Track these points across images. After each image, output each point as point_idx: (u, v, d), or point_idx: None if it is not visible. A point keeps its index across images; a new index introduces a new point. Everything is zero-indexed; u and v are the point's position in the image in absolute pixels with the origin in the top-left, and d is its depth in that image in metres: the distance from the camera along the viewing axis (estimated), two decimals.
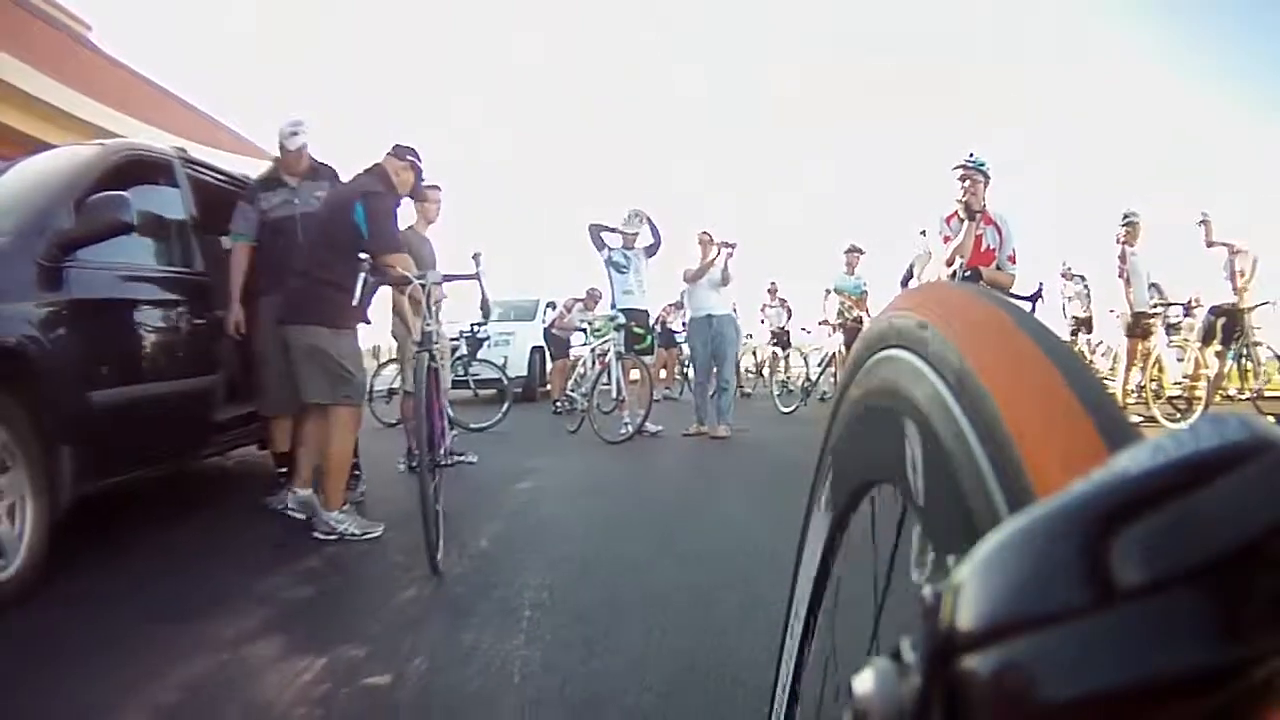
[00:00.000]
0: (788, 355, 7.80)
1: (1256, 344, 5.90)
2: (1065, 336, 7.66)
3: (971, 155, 2.97)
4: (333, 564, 2.28)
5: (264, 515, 2.90)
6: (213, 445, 3.10)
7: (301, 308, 2.60)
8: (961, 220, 2.94)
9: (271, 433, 3.10)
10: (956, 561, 0.15)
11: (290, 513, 2.74)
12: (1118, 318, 5.84)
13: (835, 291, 6.51)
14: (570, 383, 6.42)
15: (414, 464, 3.45)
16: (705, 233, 5.31)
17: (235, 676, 1.51)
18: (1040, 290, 3.53)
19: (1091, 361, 7.78)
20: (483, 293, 2.96)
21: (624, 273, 5.17)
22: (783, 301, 9.18)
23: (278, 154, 3.12)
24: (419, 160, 2.74)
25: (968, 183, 2.95)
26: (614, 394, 5.03)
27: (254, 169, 3.77)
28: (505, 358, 7.33)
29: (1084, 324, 7.86)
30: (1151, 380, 5.72)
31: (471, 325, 6.30)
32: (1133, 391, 5.81)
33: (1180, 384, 5.75)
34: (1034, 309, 3.06)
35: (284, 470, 3.06)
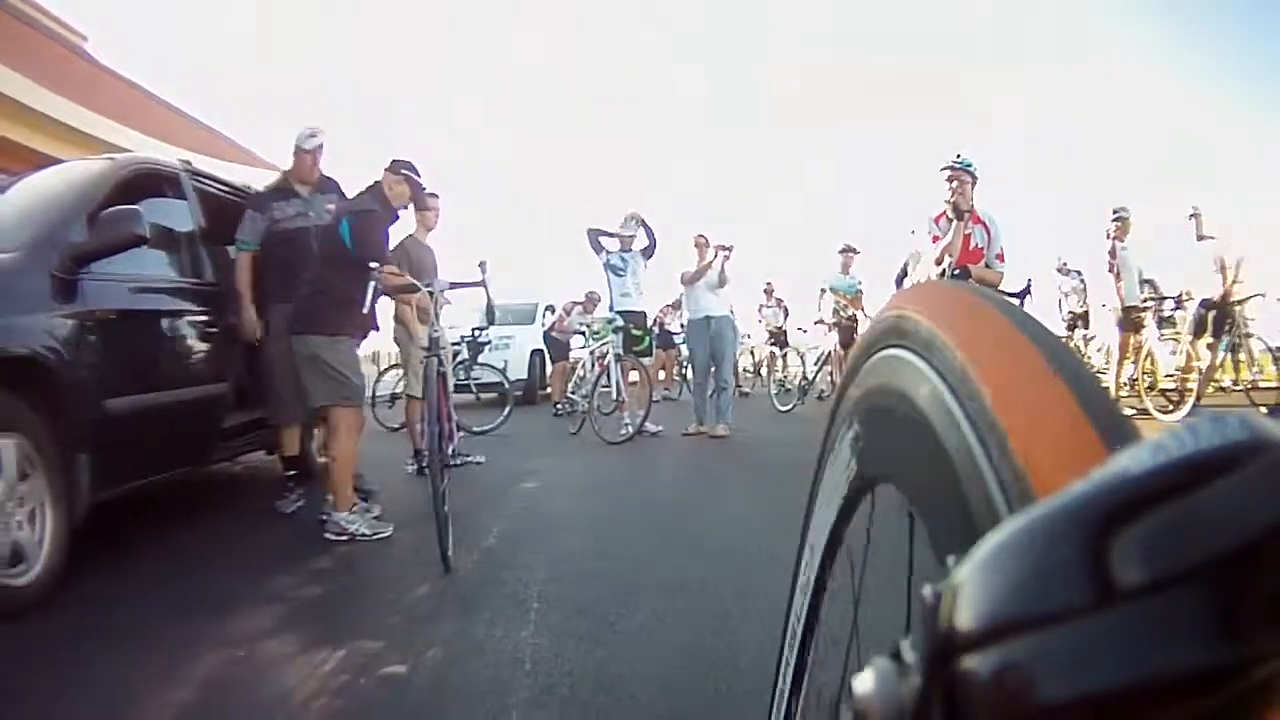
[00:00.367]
0: (785, 355, 7.88)
1: (1248, 335, 5.98)
2: (1061, 332, 7.75)
3: (959, 156, 3.05)
4: (344, 563, 2.35)
5: (274, 518, 2.97)
6: (223, 451, 3.17)
7: (301, 318, 2.71)
8: (950, 220, 3.03)
9: (281, 438, 3.17)
10: (956, 561, 0.15)
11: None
12: (1110, 312, 5.93)
13: (831, 291, 6.60)
14: (570, 385, 6.49)
15: (423, 466, 3.53)
16: (701, 235, 5.39)
17: (257, 668, 1.58)
18: (1028, 287, 3.61)
19: (1087, 357, 7.86)
20: (488, 299, 3.04)
21: (621, 276, 5.25)
22: (779, 301, 9.25)
23: (289, 163, 3.21)
24: (413, 173, 2.83)
25: (955, 183, 3.03)
26: (614, 395, 5.10)
27: (253, 177, 3.85)
28: (505, 361, 7.40)
29: (1080, 319, 7.95)
30: (1145, 374, 5.81)
31: (473, 330, 6.37)
32: (1125, 385, 5.89)
33: (1172, 376, 5.84)
34: (1022, 305, 3.13)
35: (292, 474, 3.14)
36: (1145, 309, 5.78)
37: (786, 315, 9.04)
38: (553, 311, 8.81)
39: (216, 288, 3.03)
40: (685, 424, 5.37)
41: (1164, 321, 6.12)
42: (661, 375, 8.58)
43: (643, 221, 5.37)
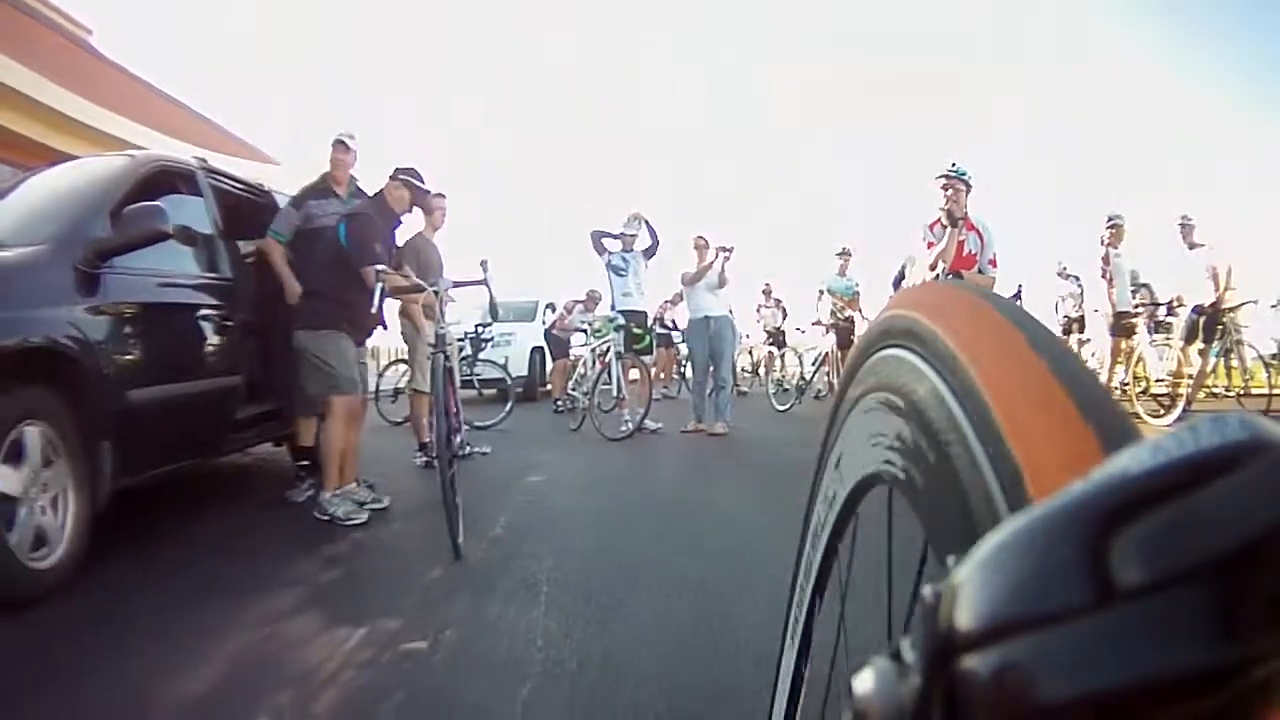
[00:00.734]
0: (783, 355, 7.98)
1: (1239, 342, 6.09)
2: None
3: (954, 165, 3.15)
4: (358, 550, 2.43)
5: (285, 508, 3.05)
6: (235, 442, 3.25)
7: (296, 314, 2.91)
8: (944, 226, 3.13)
9: (297, 429, 3.27)
10: (956, 561, 0.15)
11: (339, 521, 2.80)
12: (1102, 317, 6.04)
13: (829, 293, 6.70)
14: (571, 382, 6.57)
15: (431, 458, 3.63)
16: (701, 237, 5.49)
17: (281, 645, 1.67)
18: (1019, 292, 3.71)
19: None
20: (491, 296, 3.14)
21: (623, 276, 5.34)
22: (778, 302, 9.35)
23: (325, 166, 3.43)
24: (413, 179, 3.00)
25: (950, 191, 3.13)
26: (614, 393, 5.19)
27: (254, 172, 3.96)
28: (506, 358, 7.48)
29: (1076, 323, 8.06)
30: (1136, 378, 5.92)
31: (476, 326, 6.46)
32: (1116, 389, 6.00)
33: (1163, 381, 5.95)
34: None
35: (304, 464, 3.23)
36: (1137, 315, 5.89)
37: (785, 316, 9.14)
38: (553, 309, 8.90)
39: (232, 283, 3.11)
40: (684, 422, 5.47)
41: (1158, 327, 6.24)
42: (659, 374, 8.67)
43: (645, 221, 5.46)
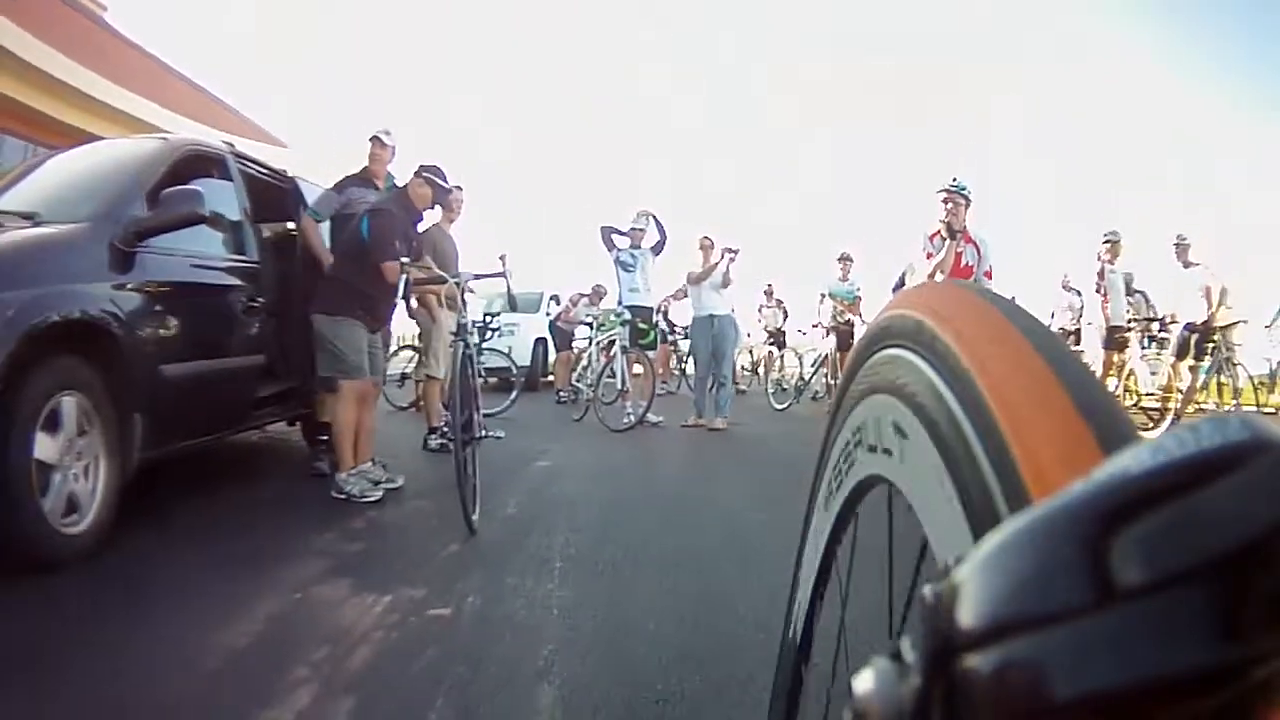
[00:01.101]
0: (783, 355, 8.11)
1: (1229, 360, 6.24)
2: None
3: (955, 180, 3.29)
4: (376, 526, 2.55)
5: (303, 485, 3.17)
6: (257, 418, 3.36)
7: (314, 298, 3.04)
8: (944, 239, 3.26)
9: (317, 405, 3.42)
10: (956, 561, 0.15)
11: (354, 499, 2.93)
12: (1096, 330, 6.19)
13: (830, 296, 6.82)
14: (576, 374, 6.69)
15: (446, 440, 3.78)
16: (706, 237, 5.61)
17: (313, 609, 1.79)
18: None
19: None
20: (509, 289, 3.27)
21: (631, 271, 5.46)
22: (779, 303, 9.45)
23: (363, 160, 3.65)
24: (436, 177, 3.13)
25: (950, 205, 3.27)
26: (619, 385, 5.32)
27: (267, 156, 4.09)
28: (510, 348, 7.59)
29: (1073, 335, 8.19)
30: (1126, 391, 6.07)
31: (484, 315, 6.57)
32: None
33: (1153, 395, 6.09)
34: None
35: (324, 438, 3.37)
36: (1130, 329, 6.03)
37: (786, 316, 9.25)
38: (557, 301, 9.02)
39: (258, 266, 3.22)
40: (683, 416, 5.60)
41: (1153, 340, 6.38)
42: (658, 370, 8.79)
43: (654, 217, 5.58)
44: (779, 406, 7.01)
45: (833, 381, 6.82)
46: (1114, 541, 0.13)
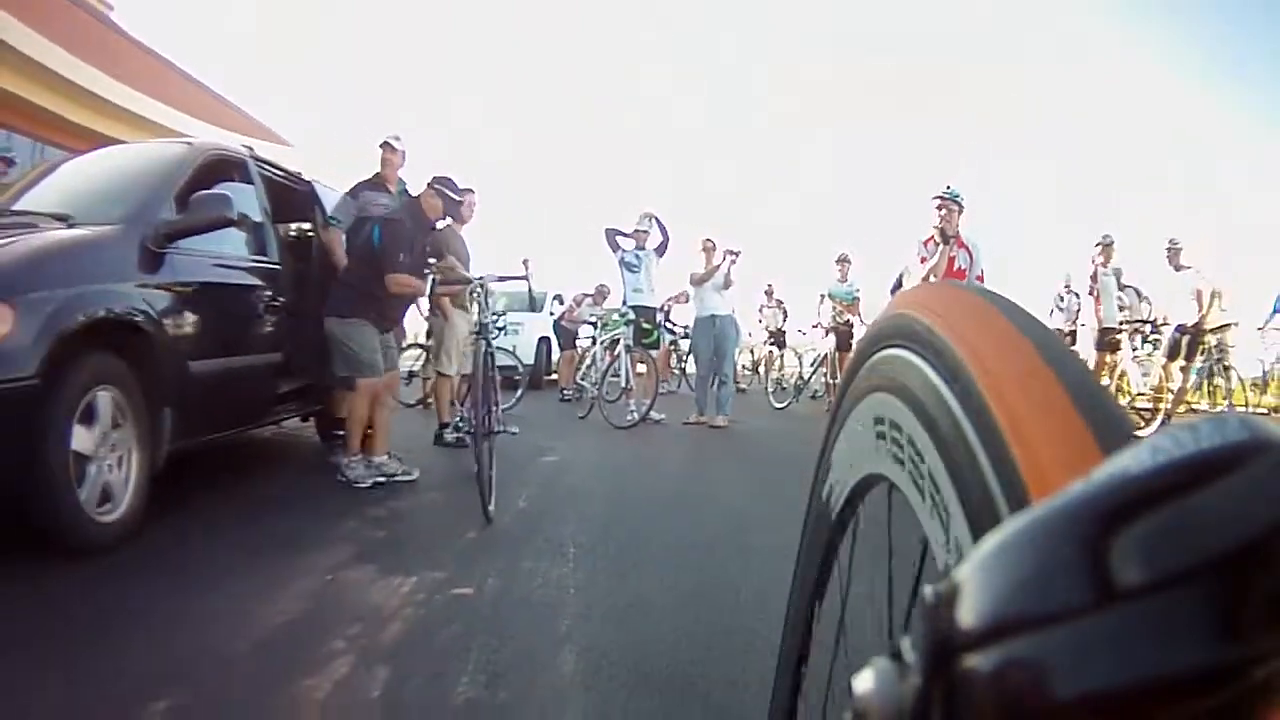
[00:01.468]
0: (783, 354, 8.24)
1: (1221, 363, 6.37)
2: None
3: (948, 187, 3.44)
4: (396, 516, 2.68)
5: (320, 478, 3.29)
6: (277, 413, 3.49)
7: (328, 302, 3.19)
8: (937, 244, 3.41)
9: (333, 401, 3.55)
10: (956, 561, 0.16)
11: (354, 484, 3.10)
12: (1089, 331, 6.33)
13: (829, 297, 6.96)
14: (580, 373, 6.82)
15: (460, 436, 3.93)
16: (709, 240, 5.74)
17: (343, 589, 1.91)
18: None
19: None
20: (530, 290, 3.41)
21: (635, 272, 5.58)
22: (779, 303, 9.58)
23: (376, 166, 3.79)
24: (447, 188, 3.27)
25: (944, 211, 3.42)
26: (623, 383, 5.45)
27: (273, 155, 4.22)
28: (514, 346, 7.72)
29: (1068, 336, 8.32)
30: (1120, 391, 6.20)
31: (493, 313, 6.71)
32: None
33: (1144, 395, 6.23)
34: None
35: (338, 433, 3.50)
36: (1121, 331, 6.17)
37: (786, 317, 9.38)
38: (560, 301, 9.14)
39: (278, 266, 3.34)
40: (684, 414, 5.73)
41: (1145, 341, 6.51)
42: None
43: (656, 219, 5.71)
44: (779, 405, 7.14)
45: (832, 381, 6.95)
46: (1114, 541, 0.13)
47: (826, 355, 7.06)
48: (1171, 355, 6.22)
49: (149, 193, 2.77)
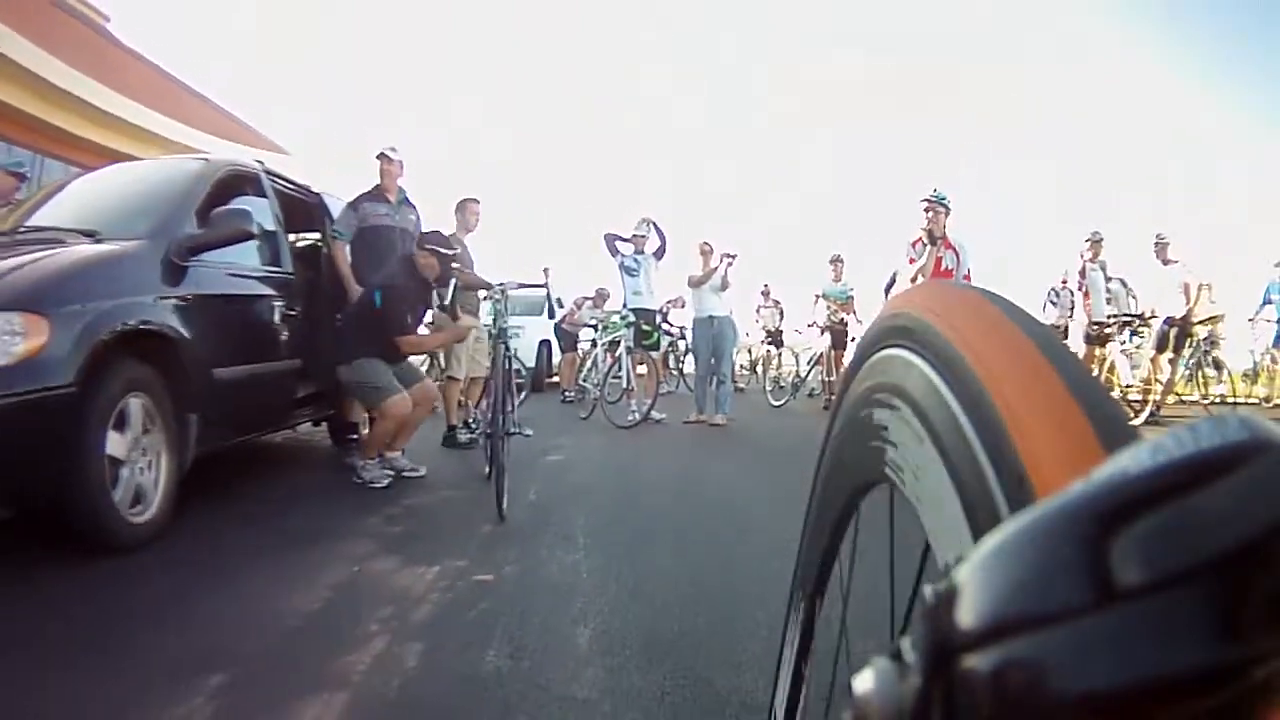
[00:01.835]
0: (780, 354, 8.39)
1: (1210, 354, 6.51)
2: None
3: (935, 190, 3.59)
4: (413, 512, 2.82)
5: (336, 478, 3.42)
6: (294, 417, 3.63)
7: (336, 351, 3.34)
8: (925, 245, 3.56)
9: (347, 406, 3.69)
10: (956, 561, 0.15)
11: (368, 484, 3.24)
12: (1078, 326, 6.49)
13: (824, 296, 7.12)
14: (582, 374, 6.96)
15: (473, 437, 4.07)
16: (706, 243, 5.89)
17: (371, 578, 2.04)
18: None
19: None
20: (548, 297, 3.55)
21: (635, 276, 5.73)
22: (776, 303, 9.73)
23: (375, 177, 3.91)
24: (439, 247, 3.38)
25: (931, 214, 3.57)
26: (624, 384, 5.60)
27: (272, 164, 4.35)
28: (516, 349, 7.84)
29: (1060, 331, 8.48)
30: (1113, 386, 6.35)
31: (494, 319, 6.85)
32: None
33: (1133, 387, 6.38)
34: None
35: (354, 437, 3.63)
36: (1110, 325, 6.32)
37: (782, 316, 9.53)
38: (560, 304, 9.28)
39: (292, 276, 3.48)
40: (684, 414, 5.88)
41: (1133, 334, 6.66)
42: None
43: (654, 224, 5.85)
44: (776, 403, 7.28)
45: (828, 378, 7.10)
46: (1114, 541, 0.13)
47: (822, 354, 7.21)
48: (1160, 347, 6.36)
49: (171, 208, 2.90)
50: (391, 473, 3.24)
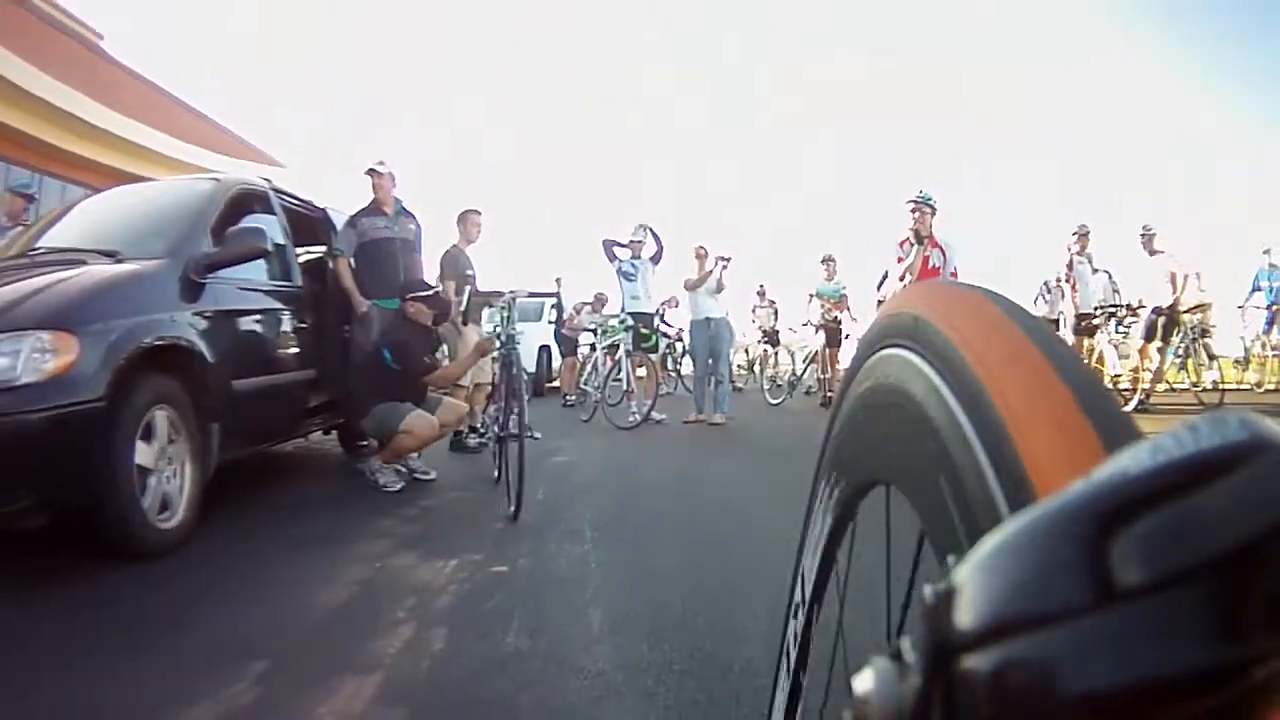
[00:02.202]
0: (776, 353, 8.53)
1: (1208, 346, 6.63)
2: None
3: (921, 191, 3.73)
4: (427, 512, 2.95)
5: (347, 483, 3.55)
6: (308, 426, 3.75)
7: (353, 409, 3.49)
8: (912, 244, 3.70)
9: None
10: (956, 561, 0.15)
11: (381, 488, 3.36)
12: (1067, 318, 6.63)
13: (817, 296, 7.26)
14: (583, 378, 7.09)
15: (468, 443, 4.18)
16: (701, 247, 6.04)
17: (392, 573, 2.17)
18: None
19: None
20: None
21: (632, 281, 5.87)
22: (771, 303, 9.88)
23: (369, 192, 4.03)
24: (424, 294, 3.52)
25: (917, 214, 3.71)
26: (625, 386, 5.74)
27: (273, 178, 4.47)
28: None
29: (1051, 324, 8.62)
30: (1105, 378, 6.49)
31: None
32: None
33: (1121, 377, 6.52)
34: None
35: (363, 444, 3.75)
36: (1097, 316, 6.47)
37: (777, 316, 9.68)
38: (560, 310, 9.42)
39: (302, 290, 3.61)
40: (683, 414, 6.02)
41: (1120, 325, 6.80)
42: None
43: (651, 229, 5.99)
44: (773, 401, 7.42)
45: (823, 376, 7.24)
46: (1114, 541, 0.13)
47: (817, 352, 7.35)
48: (1148, 337, 6.49)
49: (187, 227, 3.03)
50: (404, 477, 3.36)
